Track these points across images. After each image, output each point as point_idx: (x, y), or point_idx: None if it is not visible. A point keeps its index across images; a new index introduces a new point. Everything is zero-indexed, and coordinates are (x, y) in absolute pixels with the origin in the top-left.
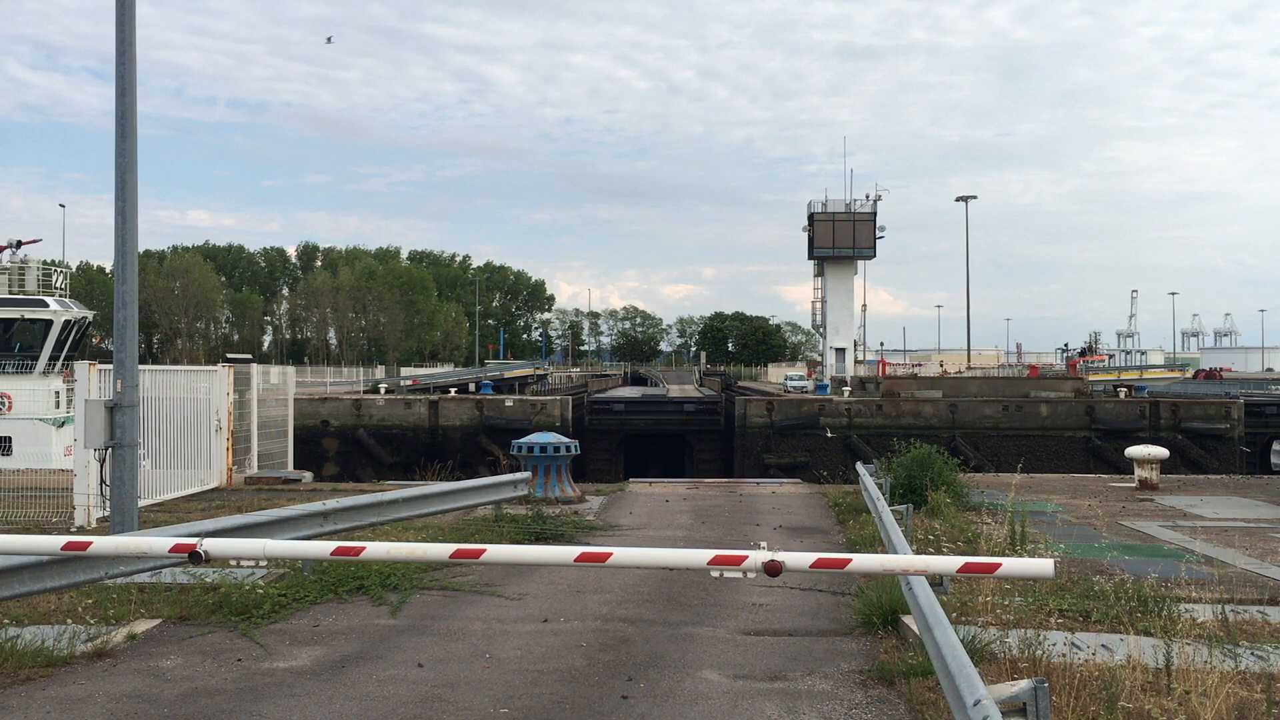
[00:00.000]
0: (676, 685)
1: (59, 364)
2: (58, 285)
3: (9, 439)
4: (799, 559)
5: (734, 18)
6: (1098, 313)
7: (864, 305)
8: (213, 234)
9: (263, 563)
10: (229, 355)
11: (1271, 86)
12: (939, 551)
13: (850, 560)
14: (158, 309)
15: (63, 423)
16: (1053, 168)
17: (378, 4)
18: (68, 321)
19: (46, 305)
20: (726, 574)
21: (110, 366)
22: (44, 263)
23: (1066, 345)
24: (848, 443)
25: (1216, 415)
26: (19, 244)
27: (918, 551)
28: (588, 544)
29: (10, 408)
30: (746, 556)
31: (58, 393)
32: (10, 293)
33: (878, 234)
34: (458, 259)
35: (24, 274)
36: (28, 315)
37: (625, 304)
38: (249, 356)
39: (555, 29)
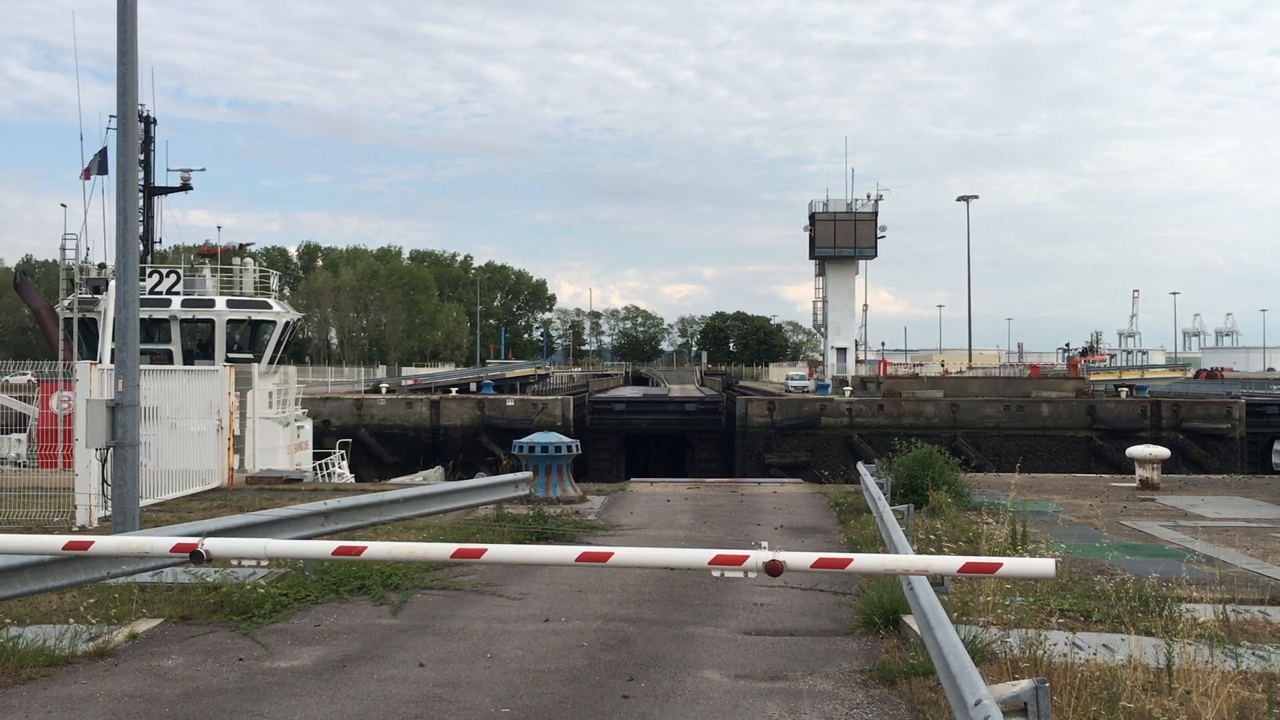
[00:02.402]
0: (678, 685)
1: (276, 363)
2: (273, 286)
3: (239, 438)
4: (800, 559)
5: (734, 18)
6: (1098, 313)
7: (865, 305)
8: (213, 234)
9: (264, 562)
10: (230, 355)
11: (1271, 86)
12: (940, 551)
13: (851, 560)
14: None
15: (288, 422)
16: (1053, 168)
17: (378, 4)
18: (288, 323)
19: (271, 307)
20: (728, 574)
21: (111, 366)
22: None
23: (1068, 345)
24: (849, 442)
25: (1218, 415)
26: (242, 247)
27: (919, 551)
28: (589, 544)
29: (240, 406)
30: (748, 556)
31: (271, 393)
32: (222, 293)
33: (879, 234)
34: (459, 259)
35: (242, 275)
36: (255, 316)
37: (626, 304)
38: (250, 356)
39: (555, 29)
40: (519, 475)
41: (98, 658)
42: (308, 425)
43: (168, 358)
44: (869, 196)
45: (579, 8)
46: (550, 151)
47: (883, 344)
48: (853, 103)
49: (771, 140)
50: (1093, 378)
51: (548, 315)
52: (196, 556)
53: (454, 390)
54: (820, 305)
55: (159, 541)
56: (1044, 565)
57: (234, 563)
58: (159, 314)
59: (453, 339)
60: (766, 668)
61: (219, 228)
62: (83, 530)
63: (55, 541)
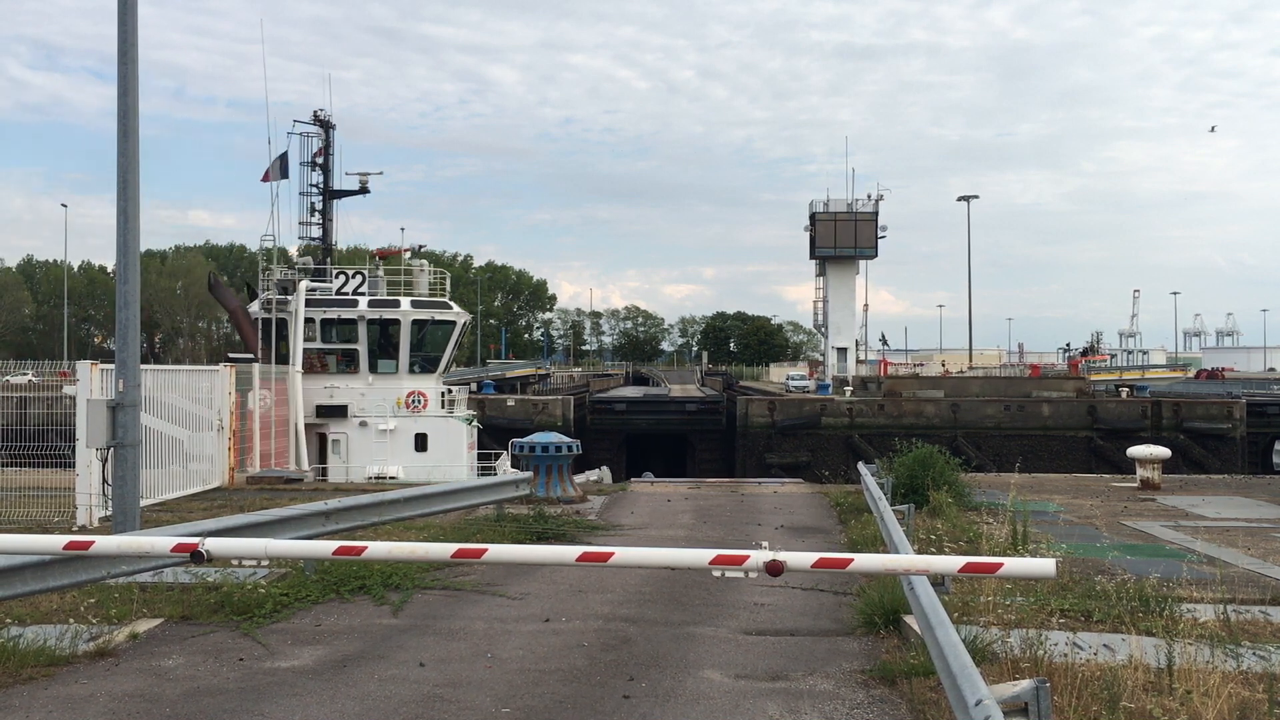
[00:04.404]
0: (678, 685)
1: (450, 365)
2: (446, 288)
3: (425, 435)
4: (800, 559)
5: (733, 18)
6: (1099, 312)
7: (865, 305)
8: (214, 234)
9: (264, 562)
10: (231, 355)
11: (1271, 86)
12: (940, 551)
13: (852, 560)
14: (159, 309)
15: (470, 419)
16: (1053, 168)
17: (377, 4)
18: (464, 324)
19: (451, 308)
20: (728, 574)
21: (112, 366)
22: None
23: (1069, 345)
24: (849, 442)
25: (1218, 415)
26: (420, 248)
27: (919, 551)
28: (589, 544)
29: (426, 405)
30: (748, 556)
31: (444, 393)
32: (388, 294)
33: (879, 234)
34: (459, 259)
35: (418, 276)
36: (437, 317)
37: (626, 304)
38: (251, 356)
39: (555, 29)
40: (519, 475)
41: (98, 657)
42: (475, 425)
43: (353, 358)
44: (869, 196)
45: (579, 8)
46: (550, 151)
47: (883, 343)
48: (853, 103)
49: (771, 140)
50: (1093, 378)
51: (548, 315)
52: (197, 556)
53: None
54: (821, 305)
55: (159, 541)
56: (1044, 565)
57: (234, 563)
58: (347, 314)
59: None
60: (767, 668)
61: (402, 229)
62: (83, 530)
63: (56, 541)
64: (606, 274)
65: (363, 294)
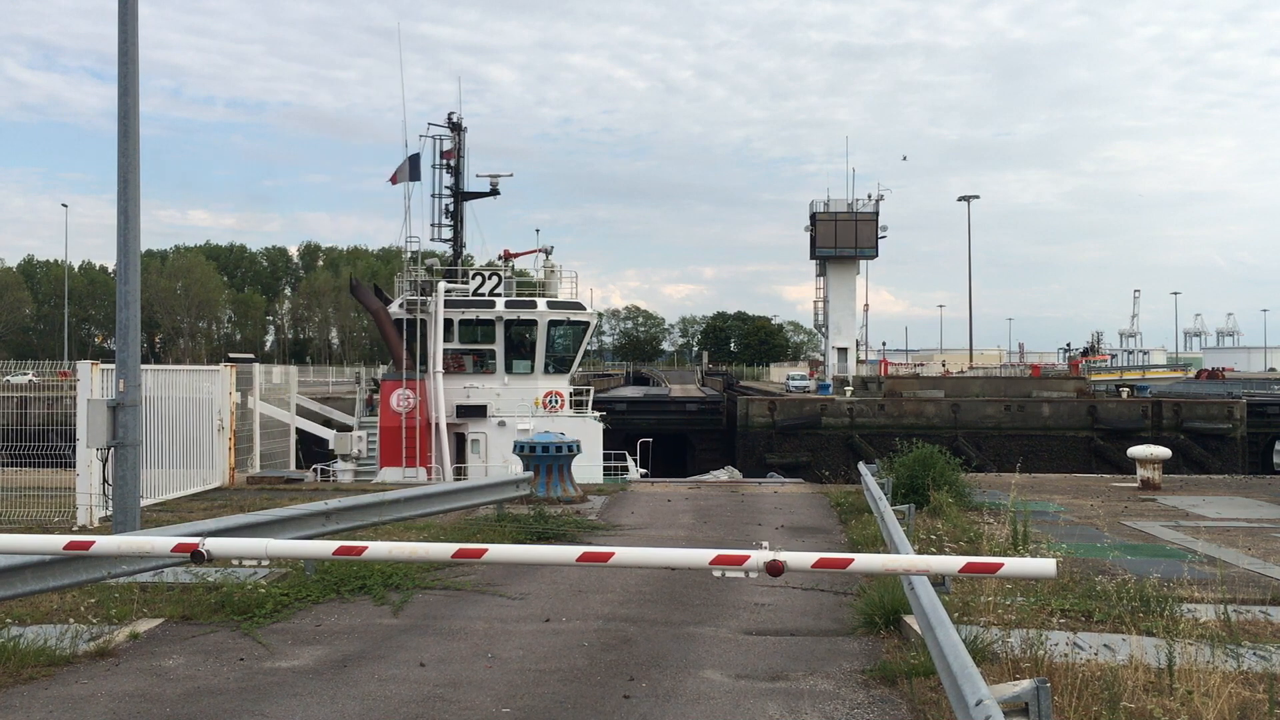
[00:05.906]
0: (678, 685)
1: (579, 365)
2: (576, 288)
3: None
4: (801, 559)
5: (731, 17)
6: (1099, 312)
7: (866, 305)
8: (213, 234)
9: (265, 562)
10: (231, 355)
11: (1269, 86)
12: (941, 551)
13: (852, 560)
14: (160, 309)
15: (600, 417)
16: (1052, 167)
17: (375, 4)
18: (594, 325)
19: (585, 309)
20: (728, 574)
21: (113, 366)
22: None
23: (1069, 345)
24: (850, 442)
25: (1219, 415)
26: (551, 250)
27: (920, 551)
28: (590, 543)
29: (563, 405)
30: (748, 556)
31: (572, 393)
32: (519, 294)
33: (880, 234)
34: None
35: (549, 277)
36: (572, 318)
37: (627, 304)
38: (251, 356)
39: (553, 29)
40: (520, 475)
41: (99, 657)
42: (606, 425)
43: (489, 358)
44: (870, 196)
45: (576, 8)
46: (549, 151)
47: (884, 344)
48: (851, 103)
49: (770, 140)
50: (1094, 378)
51: None
52: (197, 556)
53: None
54: (821, 305)
55: (160, 541)
56: (1045, 565)
57: (235, 562)
58: (485, 315)
59: None
60: (767, 668)
61: (537, 231)
62: (83, 530)
63: (56, 541)
64: (606, 274)
65: (499, 295)
